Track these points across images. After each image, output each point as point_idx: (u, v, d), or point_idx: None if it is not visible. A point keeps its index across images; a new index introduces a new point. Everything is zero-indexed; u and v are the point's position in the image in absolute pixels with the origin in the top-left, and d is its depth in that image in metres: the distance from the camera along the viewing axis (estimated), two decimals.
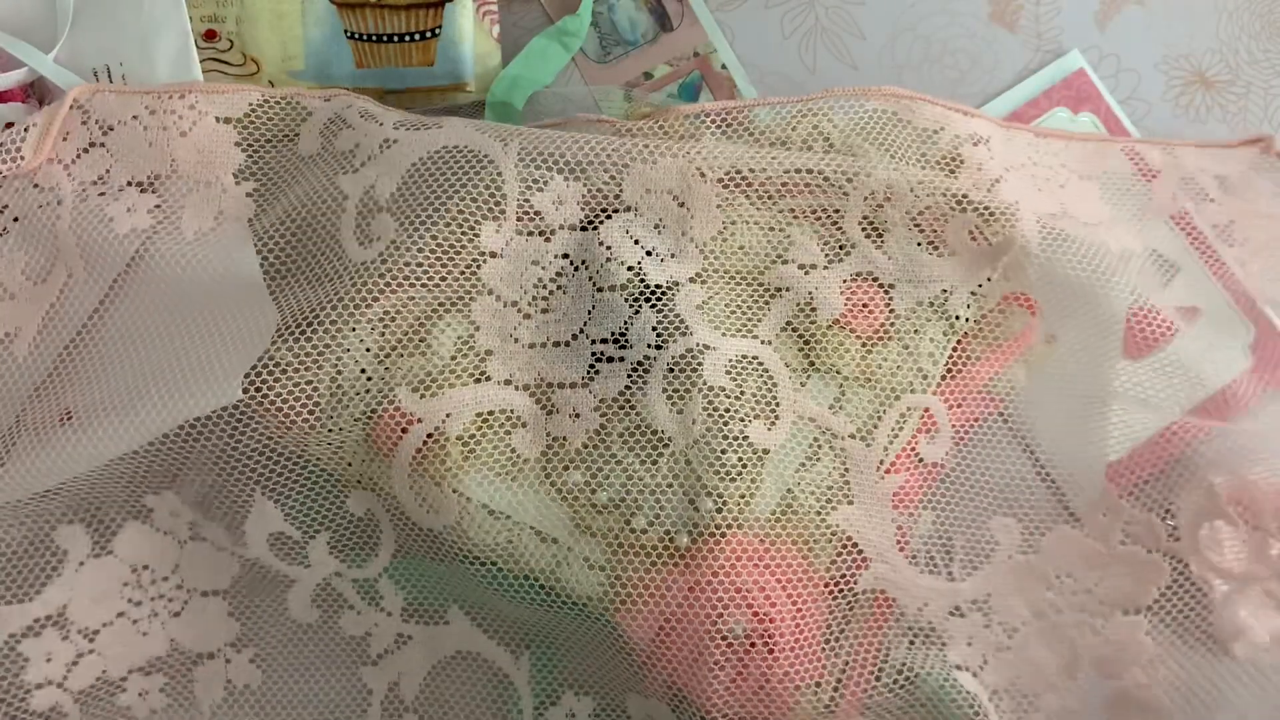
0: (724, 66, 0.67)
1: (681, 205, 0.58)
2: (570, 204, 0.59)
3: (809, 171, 0.59)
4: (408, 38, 0.64)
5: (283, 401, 0.58)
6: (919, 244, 0.58)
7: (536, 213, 0.59)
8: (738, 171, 0.59)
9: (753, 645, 0.53)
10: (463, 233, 0.59)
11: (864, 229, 0.58)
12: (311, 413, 0.57)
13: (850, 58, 0.68)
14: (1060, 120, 0.66)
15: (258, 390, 0.59)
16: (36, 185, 0.59)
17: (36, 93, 0.61)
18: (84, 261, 0.59)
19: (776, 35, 0.68)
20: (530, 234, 0.59)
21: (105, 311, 0.60)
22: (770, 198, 0.58)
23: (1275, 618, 0.60)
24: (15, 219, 0.59)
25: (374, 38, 0.64)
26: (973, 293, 0.58)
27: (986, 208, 0.60)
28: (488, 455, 0.57)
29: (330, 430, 0.57)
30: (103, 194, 0.59)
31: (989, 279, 0.58)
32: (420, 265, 0.58)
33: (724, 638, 0.52)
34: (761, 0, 0.68)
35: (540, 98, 0.66)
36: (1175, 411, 0.64)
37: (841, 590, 0.59)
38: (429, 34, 0.64)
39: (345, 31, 0.64)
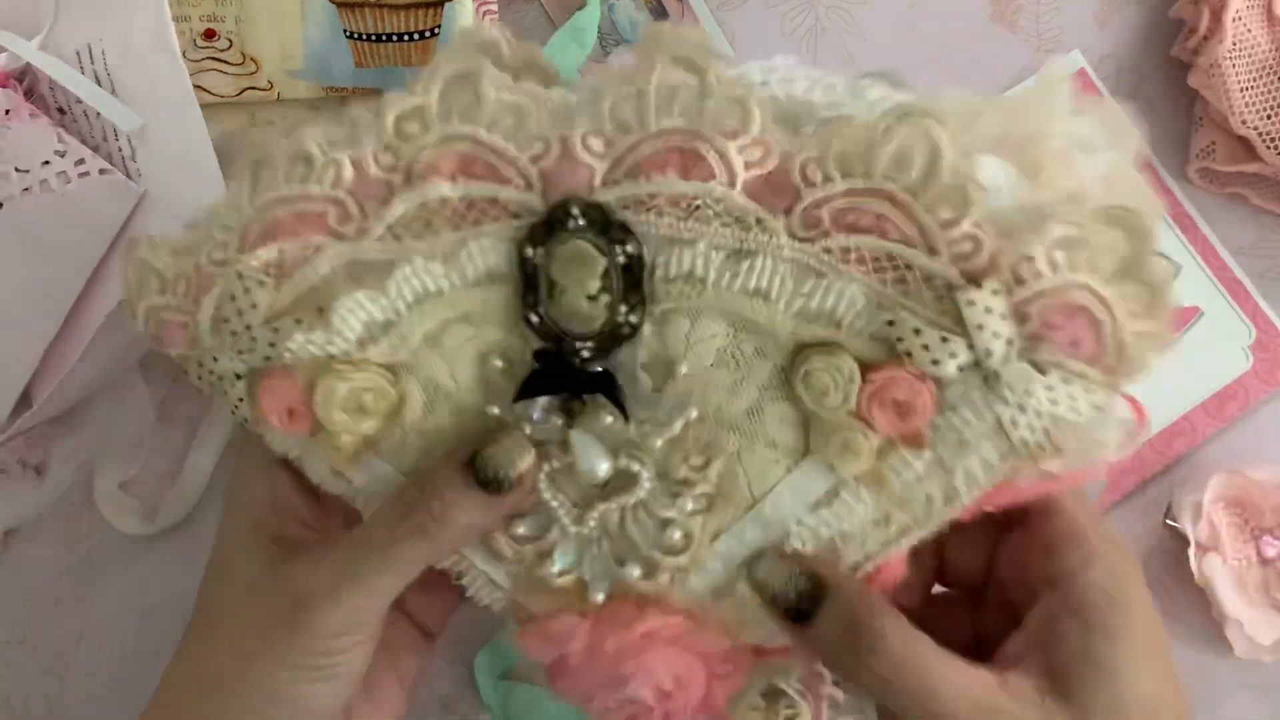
0: None
1: None
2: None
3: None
4: (407, 37, 0.64)
5: (159, 315, 0.46)
6: (1010, 340, 0.41)
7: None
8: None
9: (652, 709, 0.45)
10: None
11: (939, 295, 0.42)
12: (190, 344, 0.46)
13: (850, 58, 0.68)
14: None
15: (140, 293, 0.47)
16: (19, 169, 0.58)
17: (24, 80, 0.61)
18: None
19: (776, 35, 0.68)
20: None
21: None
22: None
23: (1275, 618, 0.60)
24: None
25: (374, 37, 0.64)
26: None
27: None
28: (389, 450, 0.45)
29: (211, 373, 0.46)
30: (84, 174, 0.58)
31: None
32: (335, 204, 0.43)
33: (623, 700, 0.45)
34: (761, 0, 0.68)
35: None
36: (1175, 411, 0.64)
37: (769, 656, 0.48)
38: (429, 34, 0.64)
39: (345, 31, 0.64)
